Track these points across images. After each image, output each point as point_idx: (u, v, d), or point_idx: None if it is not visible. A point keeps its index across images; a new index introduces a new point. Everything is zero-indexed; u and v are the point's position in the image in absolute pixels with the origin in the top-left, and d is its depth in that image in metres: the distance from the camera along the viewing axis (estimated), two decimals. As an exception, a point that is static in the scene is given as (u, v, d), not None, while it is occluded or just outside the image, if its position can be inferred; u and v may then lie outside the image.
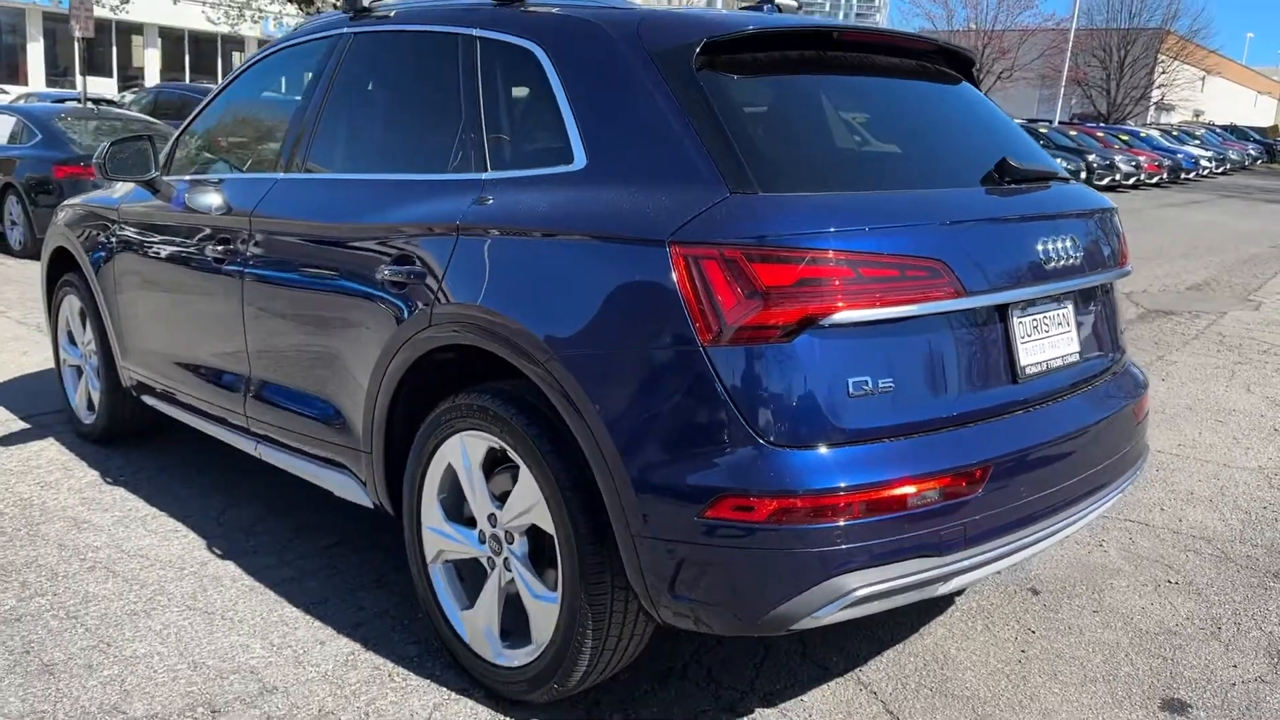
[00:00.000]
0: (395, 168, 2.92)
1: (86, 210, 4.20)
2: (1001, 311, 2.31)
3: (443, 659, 2.68)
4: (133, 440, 4.32)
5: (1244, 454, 4.73)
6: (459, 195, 2.54)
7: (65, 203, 4.50)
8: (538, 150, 2.54)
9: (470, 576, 2.62)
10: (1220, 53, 59.20)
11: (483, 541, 2.52)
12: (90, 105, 13.72)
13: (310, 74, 3.23)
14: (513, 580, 2.45)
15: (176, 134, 3.86)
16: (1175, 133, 34.79)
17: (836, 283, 2.02)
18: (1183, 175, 29.10)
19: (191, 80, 34.01)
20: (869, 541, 2.02)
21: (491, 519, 2.47)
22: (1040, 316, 2.43)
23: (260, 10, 16.49)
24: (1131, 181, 25.48)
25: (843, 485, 2.00)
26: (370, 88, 3.15)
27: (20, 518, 3.53)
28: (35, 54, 33.85)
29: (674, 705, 2.53)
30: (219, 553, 3.31)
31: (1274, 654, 2.90)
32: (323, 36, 3.27)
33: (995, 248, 2.34)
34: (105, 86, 30.21)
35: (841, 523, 2.00)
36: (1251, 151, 41.17)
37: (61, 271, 4.42)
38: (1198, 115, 55.77)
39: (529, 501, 2.34)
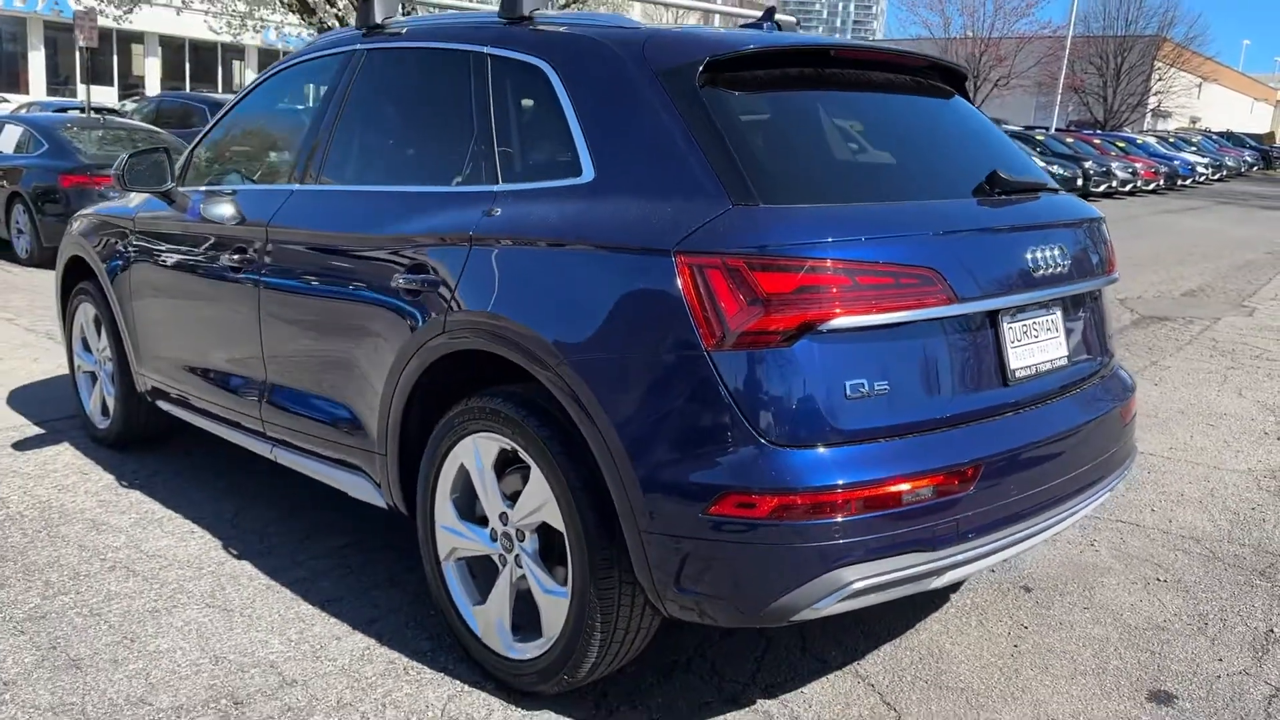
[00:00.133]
0: (409, 180, 3.02)
1: (101, 220, 4.31)
2: (992, 317, 2.41)
3: (456, 653, 2.78)
4: (146, 445, 4.41)
5: (1234, 457, 4.83)
6: (471, 207, 2.65)
7: (79, 213, 4.60)
8: (547, 163, 2.64)
9: (482, 573, 2.72)
10: (1217, 60, 59.51)
11: (494, 539, 2.61)
12: (95, 115, 13.82)
13: (324, 88, 3.33)
14: (524, 576, 2.55)
15: (191, 146, 3.96)
16: (1172, 139, 34.96)
17: (834, 290, 2.13)
18: (1179, 182, 29.26)
19: (192, 89, 34.20)
20: (865, 537, 2.13)
21: (503, 517, 2.57)
22: (1030, 322, 2.54)
23: (262, 20, 16.59)
24: (1128, 188, 25.61)
25: (840, 483, 2.10)
26: (384, 102, 3.24)
27: (40, 520, 3.63)
28: (36, 63, 34.00)
29: (679, 697, 2.63)
30: (235, 553, 3.40)
31: (1258, 648, 3.00)
32: (336, 52, 3.37)
33: (986, 256, 2.44)
34: (106, 95, 30.36)
35: (839, 519, 2.10)
36: (1247, 158, 41.36)
37: (76, 280, 4.52)
38: (1194, 122, 55.97)
39: (540, 500, 2.44)
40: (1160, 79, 47.70)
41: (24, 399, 5.11)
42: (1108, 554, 3.61)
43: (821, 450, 2.13)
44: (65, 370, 5.43)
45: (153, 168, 3.75)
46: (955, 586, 3.27)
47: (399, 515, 3.00)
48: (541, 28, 2.76)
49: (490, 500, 2.60)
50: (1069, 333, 2.69)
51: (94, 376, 4.56)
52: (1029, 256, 2.50)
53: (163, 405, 4.06)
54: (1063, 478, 2.53)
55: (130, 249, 4.01)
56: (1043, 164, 20.90)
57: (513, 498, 2.55)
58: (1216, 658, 2.93)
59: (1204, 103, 58.64)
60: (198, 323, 3.69)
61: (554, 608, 2.46)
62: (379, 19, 3.26)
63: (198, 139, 3.97)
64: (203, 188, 3.73)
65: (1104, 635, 3.03)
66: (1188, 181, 30.13)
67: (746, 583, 2.16)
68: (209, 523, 3.65)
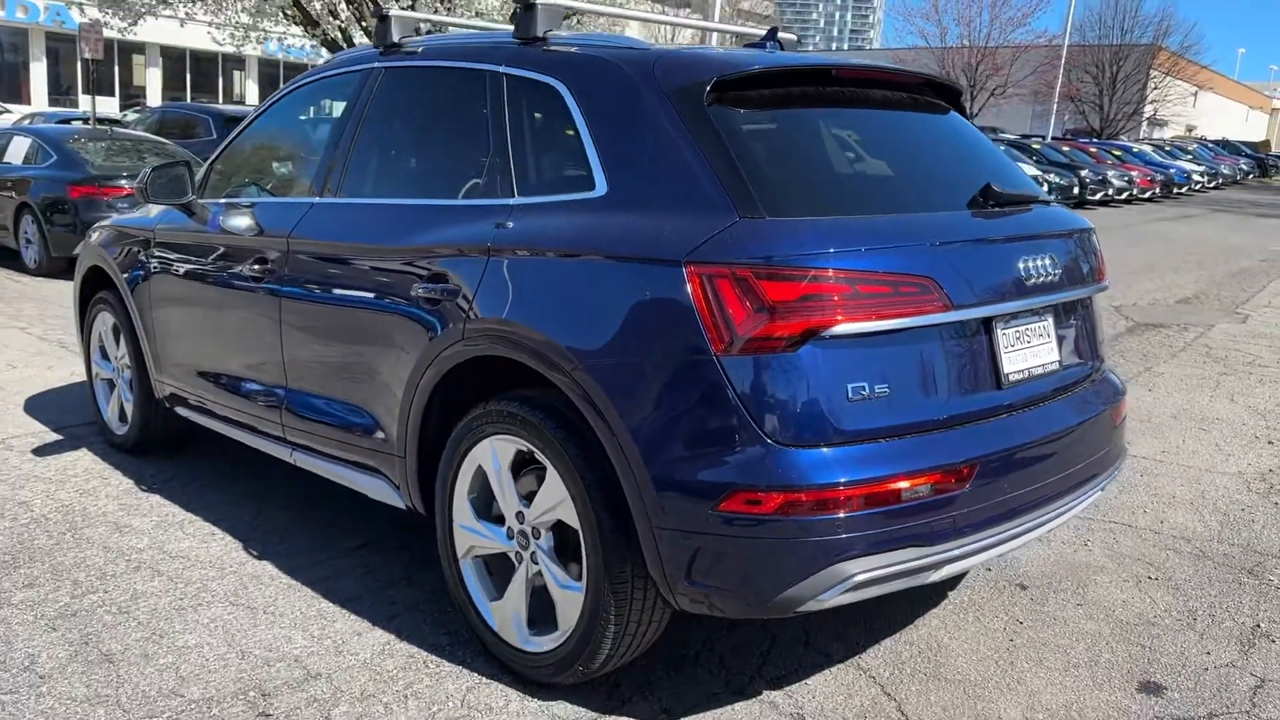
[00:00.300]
0: (427, 194, 3.14)
1: (120, 231, 4.42)
2: (987, 324, 2.54)
3: (473, 647, 2.89)
4: (163, 450, 4.52)
5: (1225, 460, 4.95)
6: (488, 219, 2.77)
7: (98, 224, 4.72)
8: (561, 178, 2.76)
9: (498, 570, 2.83)
10: (1212, 68, 59.76)
11: (511, 537, 2.73)
12: (100, 126, 13.96)
13: (344, 104, 3.45)
14: (539, 572, 2.67)
15: (210, 160, 4.09)
16: (1168, 148, 35.17)
17: (836, 298, 2.25)
18: (1175, 190, 29.45)
19: (193, 99, 34.36)
20: (866, 532, 2.24)
21: (519, 516, 2.69)
22: (1023, 328, 2.66)
23: (265, 31, 16.72)
24: (1124, 196, 25.81)
25: (842, 481, 2.22)
26: (403, 118, 3.37)
27: (64, 523, 3.74)
28: (38, 73, 34.15)
29: (688, 688, 2.74)
30: (255, 554, 3.51)
31: (1245, 642, 3.11)
32: (354, 70, 3.50)
33: (981, 266, 2.57)
34: (108, 106, 30.49)
35: (841, 515, 2.22)
36: (1243, 166, 41.63)
37: (94, 290, 4.63)
38: (1190, 130, 56.27)
39: (555, 499, 2.55)
40: (1156, 87, 47.95)
41: (41, 405, 5.22)
42: (1101, 553, 3.73)
43: (824, 450, 2.24)
44: (79, 377, 5.56)
45: (174, 181, 3.87)
46: (953, 583, 3.39)
47: (413, 516, 3.11)
48: (555, 48, 2.88)
49: (507, 500, 2.72)
50: (1061, 338, 2.81)
51: (111, 384, 4.67)
52: (1022, 266, 2.62)
53: (181, 411, 4.17)
54: (1055, 477, 2.65)
55: (151, 259, 4.12)
56: (1039, 172, 21.11)
57: (528, 497, 2.66)
58: (1205, 651, 3.05)
59: (1199, 111, 58.93)
60: (218, 331, 3.80)
61: (569, 602, 2.58)
62: (396, 38, 3.38)
63: (217, 152, 4.09)
64: (223, 200, 3.85)
65: (1096, 630, 3.15)
66: (1183, 189, 30.33)
67: (754, 576, 2.28)
68: (229, 525, 3.76)
